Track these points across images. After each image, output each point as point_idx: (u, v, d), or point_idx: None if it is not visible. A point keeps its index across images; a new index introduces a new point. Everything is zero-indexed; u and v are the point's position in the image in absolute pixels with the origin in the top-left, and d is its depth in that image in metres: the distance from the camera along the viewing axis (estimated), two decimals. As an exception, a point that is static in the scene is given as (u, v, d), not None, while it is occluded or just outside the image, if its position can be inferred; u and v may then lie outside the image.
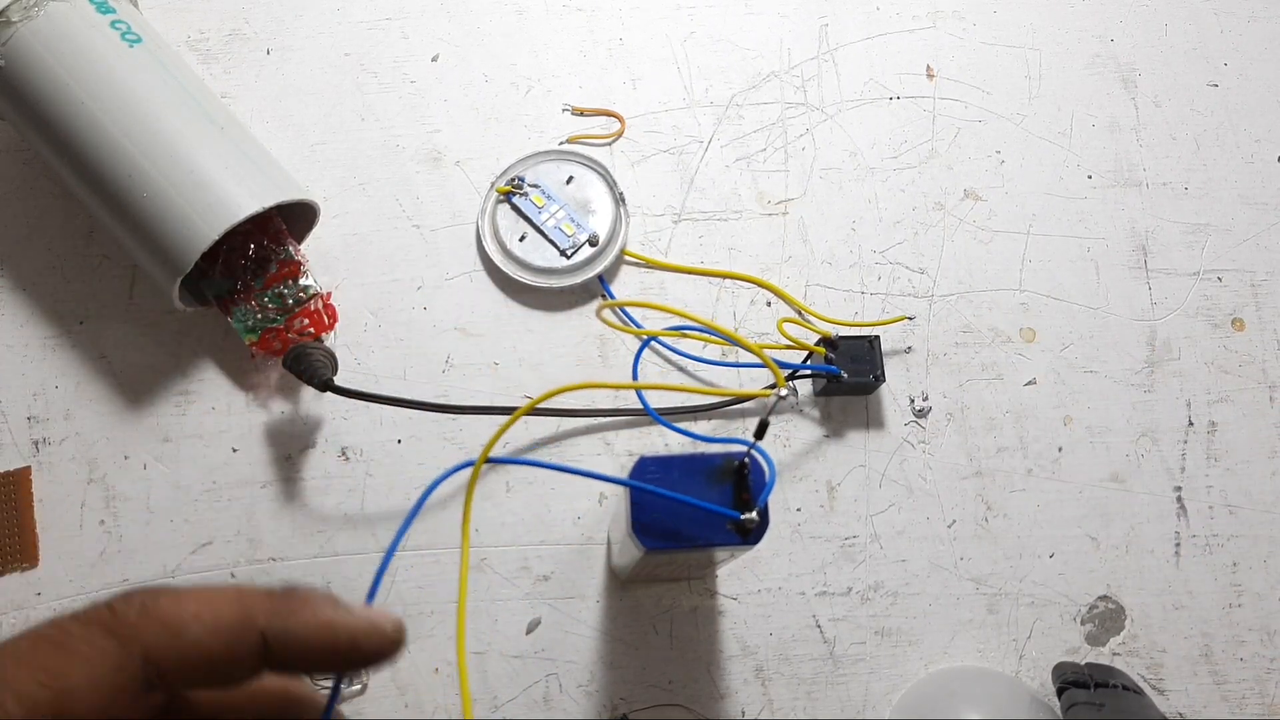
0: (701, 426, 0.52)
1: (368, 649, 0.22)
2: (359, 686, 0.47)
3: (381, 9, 0.59)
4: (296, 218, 0.52)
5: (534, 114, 0.58)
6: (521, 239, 0.54)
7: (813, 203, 0.57)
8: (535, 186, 0.54)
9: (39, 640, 0.20)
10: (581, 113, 0.58)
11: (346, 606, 0.23)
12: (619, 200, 0.54)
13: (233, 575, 0.49)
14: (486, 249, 0.54)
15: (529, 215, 0.54)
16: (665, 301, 0.54)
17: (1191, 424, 0.54)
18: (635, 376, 0.52)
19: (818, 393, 0.53)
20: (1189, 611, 0.51)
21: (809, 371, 0.52)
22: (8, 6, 0.46)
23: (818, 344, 0.52)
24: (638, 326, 0.53)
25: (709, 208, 0.56)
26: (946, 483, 0.52)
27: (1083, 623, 0.50)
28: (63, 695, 0.19)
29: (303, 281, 0.51)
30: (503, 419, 0.49)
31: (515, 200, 0.54)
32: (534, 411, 0.51)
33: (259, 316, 0.50)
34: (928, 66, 0.60)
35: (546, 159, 0.56)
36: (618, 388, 0.52)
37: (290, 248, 0.51)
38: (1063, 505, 0.52)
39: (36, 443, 0.51)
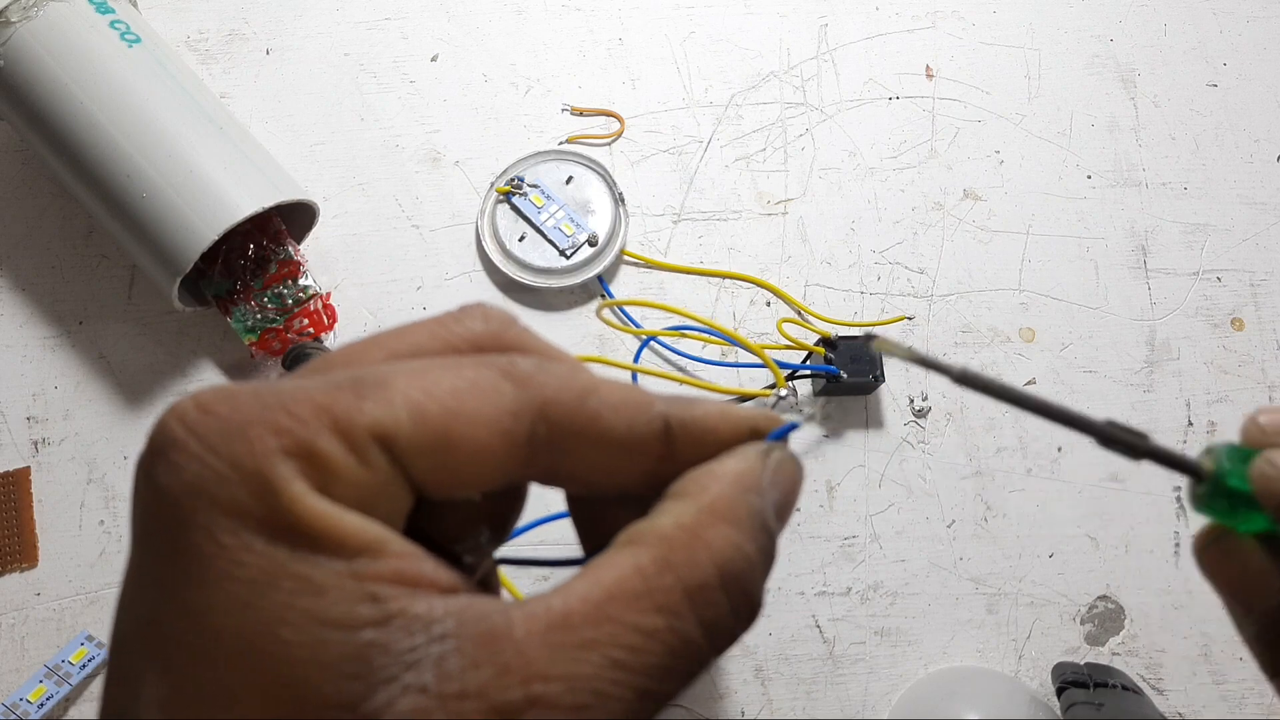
0: (701, 426, 0.52)
1: (765, 431, 0.19)
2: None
3: (381, 9, 0.59)
4: (296, 218, 0.52)
5: (533, 114, 0.58)
6: (521, 239, 0.54)
7: (812, 203, 0.57)
8: (535, 186, 0.54)
9: (430, 364, 0.17)
10: (581, 113, 0.58)
11: (728, 405, 0.20)
12: (618, 200, 0.54)
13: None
14: (486, 249, 0.54)
15: (528, 215, 0.54)
16: (665, 301, 0.54)
17: (1191, 424, 0.54)
18: (634, 377, 0.52)
19: (817, 393, 0.53)
20: (1188, 611, 0.51)
21: (808, 371, 0.52)
22: (7, 7, 0.46)
23: (817, 344, 0.52)
24: (637, 326, 0.53)
25: (708, 208, 0.56)
26: (946, 483, 0.52)
27: (1082, 623, 0.50)
28: (454, 415, 0.16)
29: (302, 282, 0.51)
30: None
31: (515, 200, 0.54)
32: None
33: (258, 317, 0.50)
34: (927, 66, 0.60)
35: (546, 159, 0.56)
36: (611, 364, 0.52)
37: (290, 248, 0.51)
38: (1062, 505, 0.52)
39: (36, 443, 0.51)
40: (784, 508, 0.19)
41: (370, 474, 0.16)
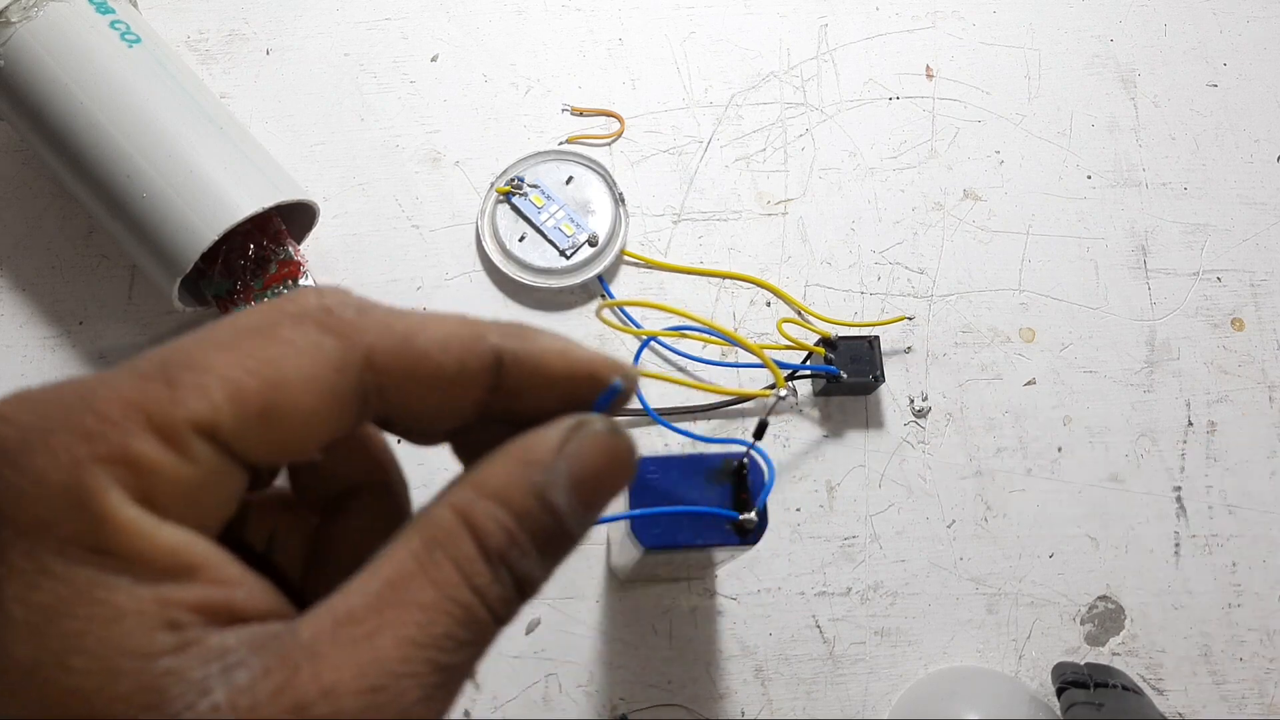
0: (701, 427, 0.52)
1: (605, 382, 0.19)
2: None
3: (381, 9, 0.59)
4: (296, 218, 0.52)
5: (533, 114, 0.58)
6: (521, 239, 0.54)
7: (812, 203, 0.57)
8: (535, 187, 0.54)
9: (242, 330, 0.16)
10: (581, 113, 0.58)
11: (577, 342, 0.19)
12: (618, 200, 0.54)
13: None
14: (486, 249, 0.54)
15: (528, 215, 0.54)
16: (665, 301, 0.54)
17: (1191, 424, 0.54)
18: (635, 377, 0.52)
19: (817, 393, 0.53)
20: (1188, 611, 0.51)
21: (808, 372, 0.52)
22: (7, 7, 0.46)
23: (817, 344, 0.52)
24: (637, 326, 0.53)
25: (708, 208, 0.56)
26: (946, 483, 0.52)
27: (1082, 623, 0.50)
28: (275, 387, 0.16)
29: (302, 282, 0.51)
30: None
31: (515, 200, 0.54)
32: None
33: (258, 317, 0.50)
34: (927, 67, 0.60)
35: (546, 159, 0.56)
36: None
37: (290, 248, 0.51)
38: (1062, 505, 0.52)
39: (36, 443, 0.50)
40: (586, 483, 0.18)
41: (194, 469, 0.15)
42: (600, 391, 0.19)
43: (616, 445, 0.19)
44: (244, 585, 0.16)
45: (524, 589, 0.17)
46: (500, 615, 0.17)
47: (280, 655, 0.15)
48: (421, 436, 0.20)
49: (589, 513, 0.18)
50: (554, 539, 0.18)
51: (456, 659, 0.16)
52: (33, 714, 0.14)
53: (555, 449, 0.18)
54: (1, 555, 0.14)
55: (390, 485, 0.21)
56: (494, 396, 0.18)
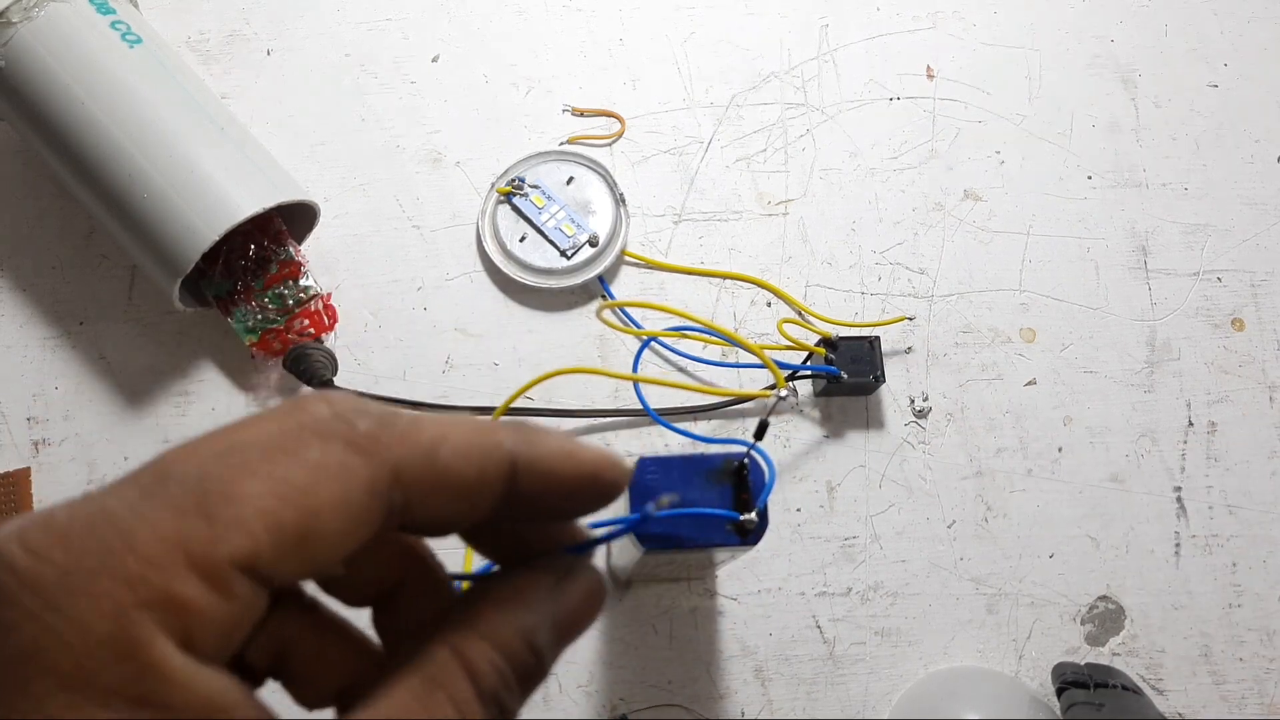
0: (701, 427, 0.52)
1: (605, 480, 0.20)
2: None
3: (381, 10, 0.59)
4: (297, 218, 0.52)
5: (534, 114, 0.58)
6: (522, 239, 0.54)
7: (813, 203, 0.57)
8: (535, 187, 0.55)
9: (272, 451, 0.16)
10: (582, 113, 0.58)
11: (577, 440, 0.20)
12: (619, 201, 0.54)
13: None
14: (486, 249, 0.54)
15: (529, 216, 0.54)
16: (665, 302, 0.54)
17: (1191, 424, 0.54)
18: (636, 388, 0.52)
19: (818, 393, 0.53)
20: (1188, 612, 0.51)
21: (809, 372, 0.52)
22: (8, 7, 0.46)
23: (818, 344, 0.52)
24: (638, 327, 0.53)
25: (709, 208, 0.56)
26: (946, 483, 0.52)
27: (1082, 623, 0.50)
28: (311, 517, 0.15)
29: (303, 282, 0.51)
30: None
31: (515, 201, 0.54)
32: (534, 411, 0.51)
33: (259, 317, 0.50)
34: (927, 67, 0.60)
35: (547, 159, 0.56)
36: (609, 375, 0.52)
37: (290, 248, 0.51)
38: (1062, 505, 0.52)
39: (36, 444, 0.51)
40: (568, 624, 0.20)
41: (234, 605, 0.15)
42: (600, 488, 0.21)
43: (595, 590, 0.20)
44: None
45: None
46: None
47: None
48: (435, 532, 0.20)
49: (562, 650, 0.20)
50: (533, 676, 0.19)
51: None
52: None
53: (545, 596, 0.19)
54: (39, 705, 0.14)
55: (430, 571, 0.22)
56: (507, 500, 0.19)
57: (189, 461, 0.16)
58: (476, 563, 0.47)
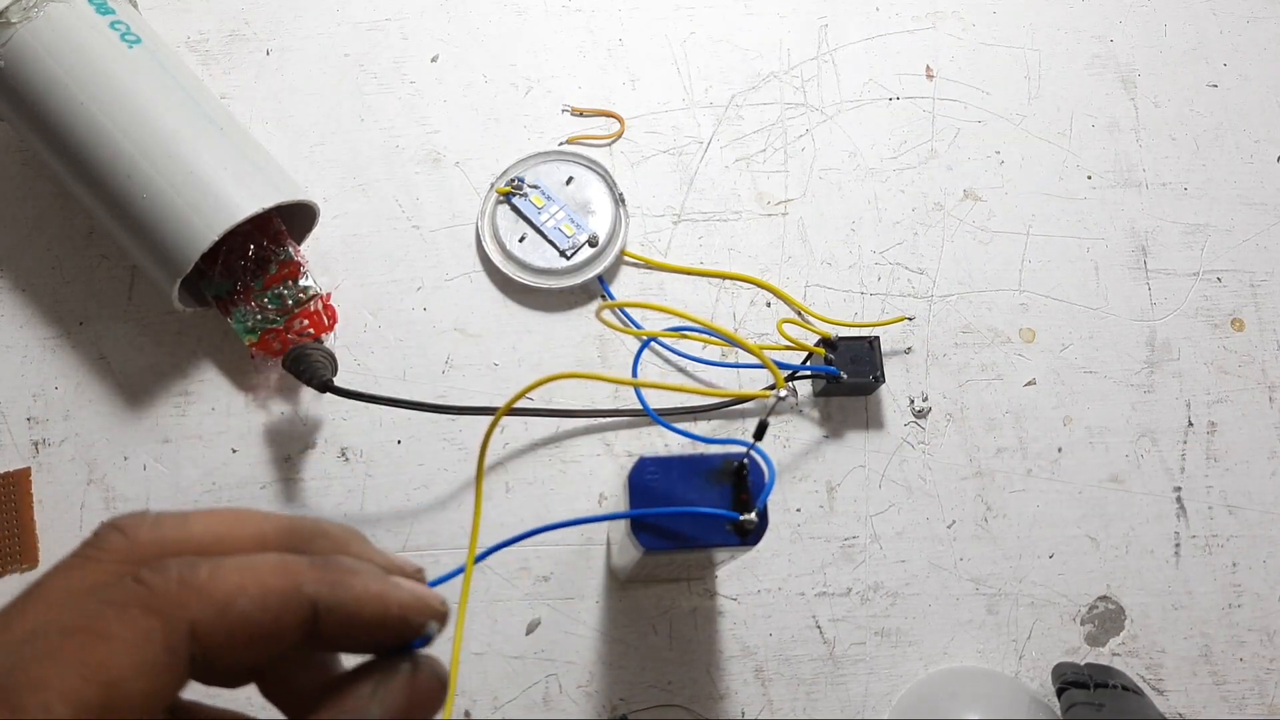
0: (701, 427, 0.52)
1: (417, 623, 0.21)
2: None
3: (381, 9, 0.59)
4: (296, 218, 0.52)
5: (533, 114, 0.58)
6: (521, 240, 0.54)
7: (812, 203, 0.57)
8: (535, 187, 0.55)
9: (70, 631, 0.17)
10: (581, 113, 0.58)
11: (393, 579, 0.21)
12: (619, 201, 0.54)
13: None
14: (486, 250, 0.54)
15: (529, 216, 0.54)
16: (665, 302, 0.54)
17: (1191, 424, 0.54)
18: (635, 377, 0.52)
19: (817, 393, 0.53)
20: (1189, 612, 0.51)
21: (808, 372, 0.52)
22: (7, 8, 0.46)
23: (817, 345, 0.52)
24: (637, 327, 0.53)
25: (709, 208, 0.56)
26: (946, 483, 0.52)
27: (1082, 623, 0.50)
28: (111, 688, 0.17)
29: (302, 282, 0.51)
30: (505, 420, 0.49)
31: (515, 201, 0.54)
32: (534, 411, 0.51)
33: (258, 317, 0.50)
34: (927, 67, 0.60)
35: (546, 160, 0.56)
36: (608, 380, 0.52)
37: (290, 248, 0.51)
38: (1062, 506, 0.52)
39: (36, 444, 0.51)
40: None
41: None
42: (410, 630, 0.21)
43: (422, 682, 0.21)
44: None
45: None
46: None
47: None
48: (231, 681, 0.21)
49: None
50: None
51: None
52: None
53: (368, 695, 0.20)
54: None
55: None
56: (309, 640, 0.20)
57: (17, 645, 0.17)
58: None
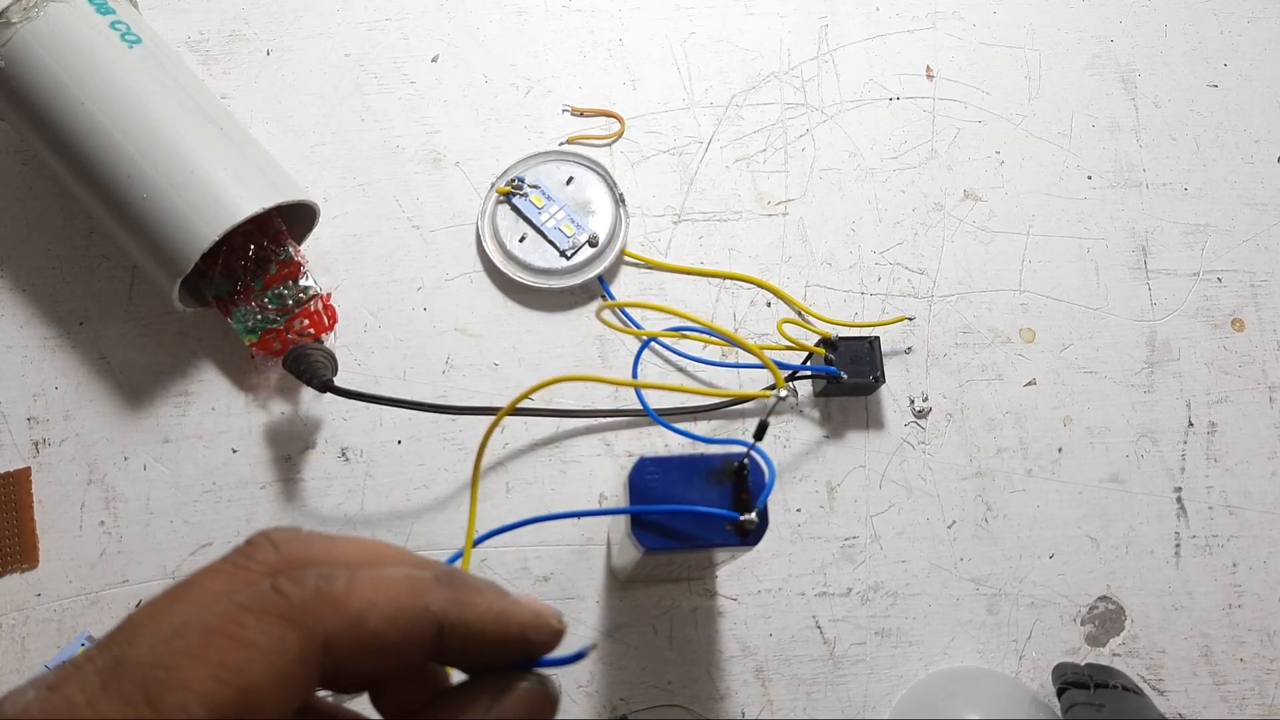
0: (701, 427, 0.52)
1: (535, 641, 0.22)
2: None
3: (381, 10, 0.59)
4: (296, 219, 0.52)
5: (534, 115, 0.58)
6: (521, 240, 0.54)
7: (813, 203, 0.57)
8: (535, 187, 0.55)
9: (210, 633, 0.18)
10: (581, 113, 0.58)
11: (513, 596, 0.22)
12: (619, 201, 0.54)
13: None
14: (486, 250, 0.54)
15: (529, 216, 0.54)
16: (665, 302, 0.54)
17: (1191, 424, 0.54)
18: (635, 377, 0.52)
19: (817, 393, 0.53)
20: (1189, 612, 0.51)
21: (809, 372, 0.52)
22: (7, 7, 0.46)
23: (817, 345, 0.52)
24: (637, 327, 0.53)
25: (709, 208, 0.56)
26: (946, 483, 0.52)
27: (1082, 623, 0.50)
28: (247, 693, 0.17)
29: (302, 282, 0.51)
30: (507, 420, 0.49)
31: (515, 201, 0.54)
32: (535, 411, 0.51)
33: (259, 317, 0.50)
34: (927, 67, 0.60)
35: (546, 160, 0.56)
36: (609, 382, 0.52)
37: (290, 248, 0.51)
38: (1062, 506, 0.52)
39: (36, 444, 0.51)
40: None
41: None
42: (529, 648, 0.22)
43: (534, 700, 0.21)
44: None
45: None
46: None
47: None
48: (349, 688, 0.22)
49: None
50: None
51: None
52: None
53: (483, 712, 0.21)
54: None
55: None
56: (434, 656, 0.21)
57: (140, 646, 0.18)
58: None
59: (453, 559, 0.46)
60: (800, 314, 0.54)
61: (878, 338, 0.52)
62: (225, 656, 0.17)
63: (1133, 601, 0.51)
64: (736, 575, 0.50)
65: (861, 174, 0.58)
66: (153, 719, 0.16)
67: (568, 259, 0.53)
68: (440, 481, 0.51)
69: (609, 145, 0.57)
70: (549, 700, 0.22)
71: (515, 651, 0.21)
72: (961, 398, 0.53)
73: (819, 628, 0.49)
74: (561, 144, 0.57)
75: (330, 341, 0.52)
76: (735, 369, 0.53)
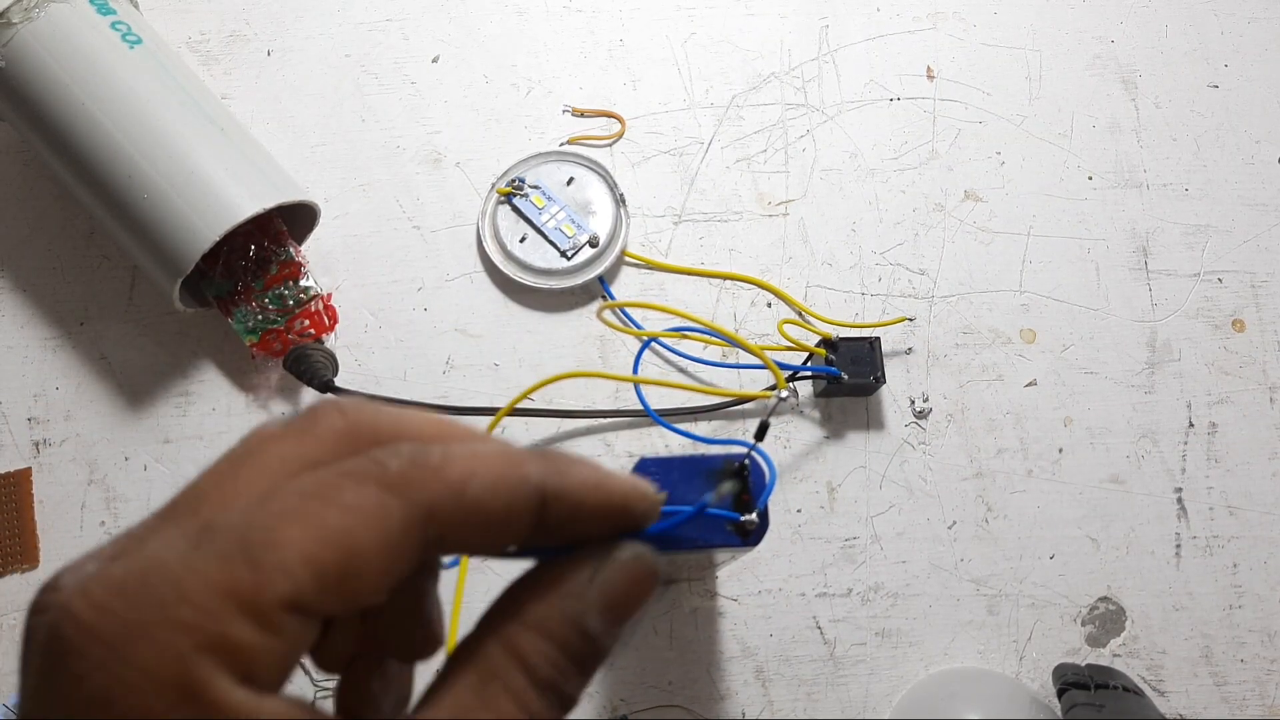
0: (701, 428, 0.52)
1: (636, 511, 0.21)
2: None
3: (382, 10, 0.59)
4: (297, 219, 0.52)
5: (534, 115, 0.58)
6: (522, 240, 0.54)
7: (813, 204, 0.57)
8: (536, 188, 0.55)
9: (307, 497, 0.17)
10: (582, 114, 0.58)
11: (607, 469, 0.21)
12: (619, 201, 0.54)
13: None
14: (487, 250, 0.54)
15: (529, 216, 0.54)
16: (665, 303, 0.54)
17: (1192, 425, 0.54)
18: (637, 389, 0.52)
19: (818, 394, 0.53)
20: (1189, 613, 0.51)
21: (809, 373, 0.52)
22: (8, 8, 0.46)
23: (818, 345, 0.52)
24: (638, 328, 0.53)
25: (709, 209, 0.56)
26: (947, 484, 0.52)
27: (1083, 624, 0.50)
28: (351, 556, 0.16)
29: (303, 283, 0.51)
30: (506, 420, 0.49)
31: (516, 201, 0.54)
32: (535, 412, 0.51)
33: (259, 317, 0.50)
34: (928, 68, 0.60)
35: (547, 160, 0.56)
36: (610, 378, 0.52)
37: (291, 249, 0.51)
38: (1063, 506, 0.52)
39: (37, 444, 0.51)
40: (615, 606, 0.20)
41: (285, 641, 0.16)
42: (630, 519, 0.21)
43: (640, 571, 0.20)
44: None
45: (567, 706, 0.19)
46: None
47: None
48: (468, 552, 0.21)
49: (618, 630, 0.20)
50: (589, 659, 0.19)
51: None
52: None
53: (587, 580, 0.20)
54: None
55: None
56: (536, 530, 0.20)
57: (230, 510, 0.17)
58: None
59: (451, 564, 0.46)
60: (801, 314, 0.54)
61: (878, 338, 0.52)
62: (327, 519, 0.16)
63: (1133, 602, 0.51)
64: (737, 575, 0.50)
65: (862, 174, 0.58)
66: (252, 578, 0.16)
67: (568, 259, 0.53)
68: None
69: (609, 146, 0.57)
70: (652, 571, 0.21)
71: (617, 522, 0.21)
72: (962, 398, 0.53)
73: (819, 628, 0.49)
74: (562, 144, 0.57)
75: (331, 342, 0.52)
76: (735, 369, 0.53)
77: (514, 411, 0.50)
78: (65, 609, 0.15)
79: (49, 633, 0.15)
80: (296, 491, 0.17)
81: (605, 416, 0.52)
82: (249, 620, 0.16)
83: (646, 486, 0.21)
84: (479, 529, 0.18)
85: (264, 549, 0.16)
